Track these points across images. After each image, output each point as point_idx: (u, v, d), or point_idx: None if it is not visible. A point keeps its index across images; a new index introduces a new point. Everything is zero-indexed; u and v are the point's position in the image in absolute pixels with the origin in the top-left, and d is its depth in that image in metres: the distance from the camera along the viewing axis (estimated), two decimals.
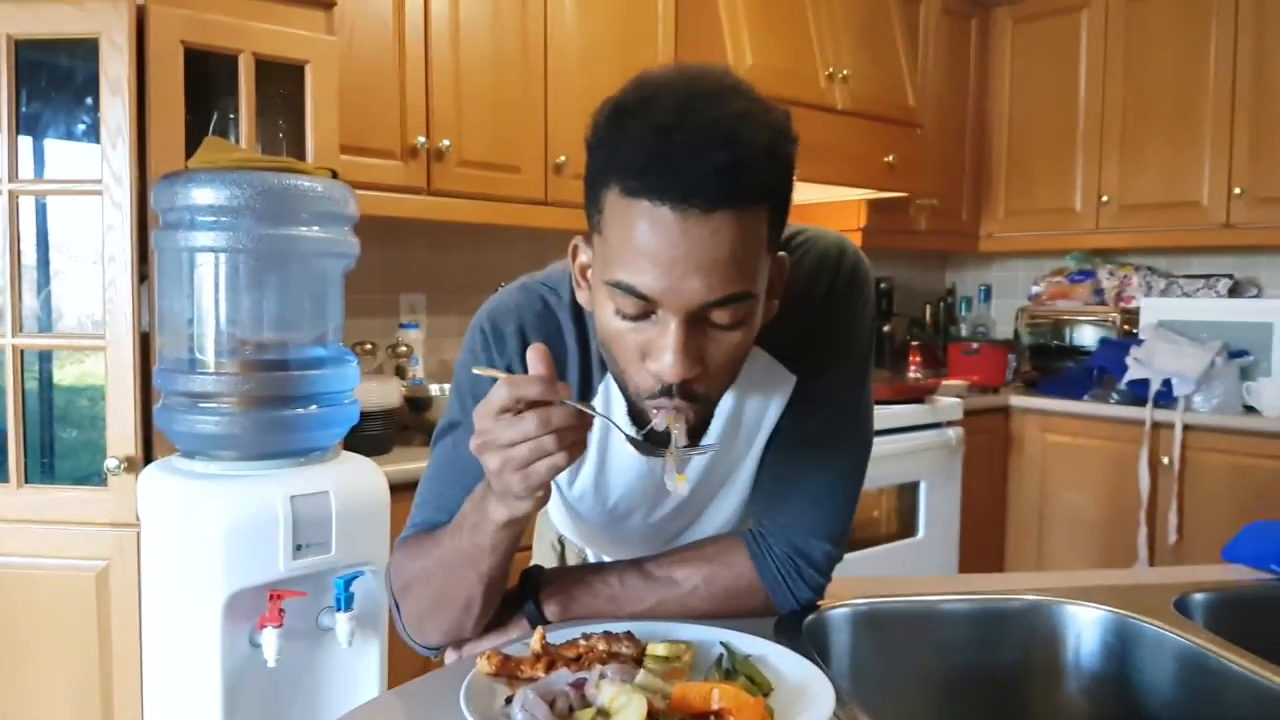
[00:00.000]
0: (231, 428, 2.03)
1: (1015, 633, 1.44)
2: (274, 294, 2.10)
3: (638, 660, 1.05)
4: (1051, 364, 4.60)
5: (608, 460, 1.29)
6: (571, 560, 1.62)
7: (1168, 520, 3.78)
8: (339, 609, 2.03)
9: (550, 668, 1.03)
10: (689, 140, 0.94)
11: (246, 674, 1.99)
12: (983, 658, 1.43)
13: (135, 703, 2.20)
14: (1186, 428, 3.75)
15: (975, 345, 4.64)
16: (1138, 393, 3.89)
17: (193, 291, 2.06)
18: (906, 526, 3.94)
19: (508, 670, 1.03)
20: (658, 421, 1.06)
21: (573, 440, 0.98)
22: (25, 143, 2.35)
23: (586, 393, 1.25)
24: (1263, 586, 1.55)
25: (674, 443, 1.05)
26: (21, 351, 2.25)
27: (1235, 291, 4.27)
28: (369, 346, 3.08)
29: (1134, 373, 3.91)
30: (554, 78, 3.14)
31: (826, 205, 4.33)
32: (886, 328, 4.75)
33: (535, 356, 0.99)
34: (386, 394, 2.71)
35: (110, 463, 2.16)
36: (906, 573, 3.78)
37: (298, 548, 1.97)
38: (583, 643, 1.07)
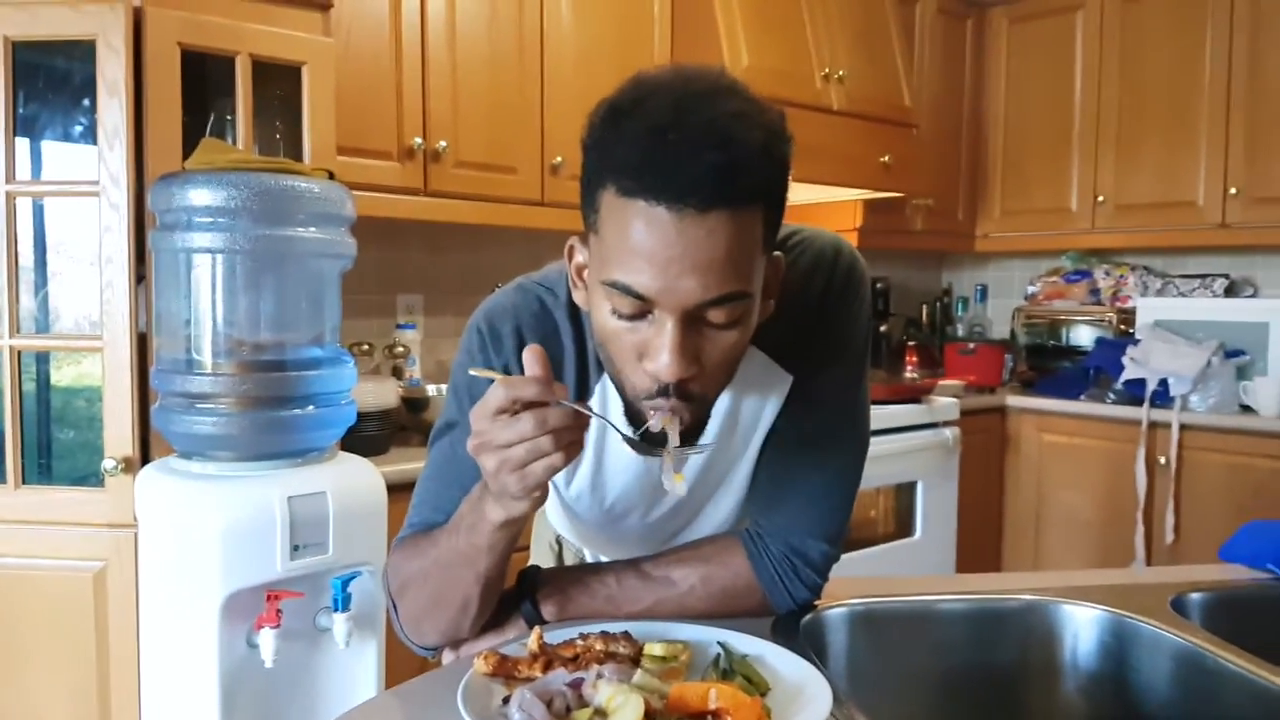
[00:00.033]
0: (229, 428, 2.03)
1: (1012, 632, 1.44)
2: (271, 295, 2.10)
3: (635, 660, 1.05)
4: (1048, 364, 4.60)
5: (605, 460, 1.29)
6: (569, 560, 1.62)
7: (1164, 520, 3.79)
8: (336, 609, 2.03)
9: (547, 668, 1.03)
10: (684, 140, 0.94)
11: (244, 674, 1.99)
12: (980, 657, 1.43)
13: (133, 703, 2.20)
14: (1183, 427, 3.75)
15: (972, 345, 4.64)
16: (1134, 392, 3.90)
17: (190, 292, 2.06)
18: (903, 526, 3.95)
19: (505, 670, 1.03)
20: (654, 422, 1.06)
21: (569, 440, 0.98)
22: (22, 144, 2.35)
23: (583, 393, 1.25)
24: (1259, 586, 1.56)
25: (670, 442, 1.06)
26: (19, 352, 2.24)
27: (1231, 291, 4.27)
28: (366, 347, 3.07)
29: (1130, 372, 3.92)
30: (550, 79, 3.14)
31: (823, 205, 4.34)
32: (883, 328, 4.75)
33: (531, 357, 0.99)
34: (383, 394, 2.71)
35: (107, 463, 2.16)
36: (903, 573, 3.79)
37: (295, 548, 1.97)
38: (580, 643, 1.07)
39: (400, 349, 3.13)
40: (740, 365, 1.12)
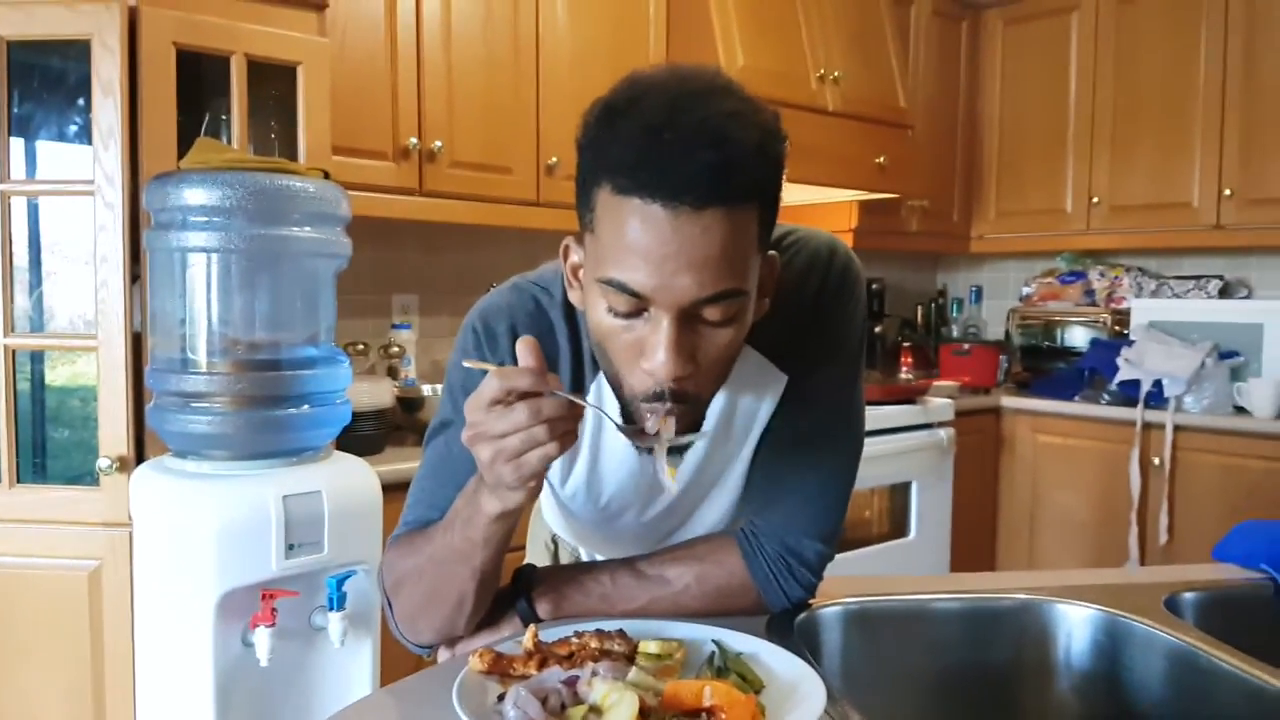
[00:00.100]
0: (224, 427, 2.03)
1: (1006, 631, 1.44)
2: (266, 294, 2.10)
3: (630, 658, 1.05)
4: (1042, 365, 4.61)
5: (600, 459, 1.29)
6: (565, 560, 1.62)
7: (1158, 520, 3.79)
8: (331, 608, 2.03)
9: (542, 665, 1.03)
10: (679, 139, 0.94)
11: (239, 673, 1.99)
12: (974, 656, 1.44)
13: (128, 702, 2.20)
14: (1177, 428, 3.76)
15: (966, 346, 4.65)
16: (1129, 393, 3.91)
17: (185, 292, 2.06)
18: (898, 527, 3.95)
19: (500, 668, 1.03)
20: (650, 424, 1.06)
21: (564, 430, 0.98)
22: (17, 144, 2.35)
23: (578, 392, 1.25)
24: (1252, 585, 1.56)
25: (663, 436, 1.06)
26: (14, 351, 2.24)
27: (1225, 292, 4.28)
28: (361, 347, 3.08)
29: (1125, 373, 3.93)
30: (546, 79, 3.14)
31: (818, 206, 4.34)
32: (878, 329, 4.76)
33: (525, 349, 0.99)
34: (379, 394, 2.71)
35: (102, 462, 2.16)
36: (898, 573, 3.79)
37: (290, 547, 1.97)
38: (575, 641, 1.08)
39: (395, 349, 3.13)
40: (735, 365, 1.12)
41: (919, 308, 5.10)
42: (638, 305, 1.00)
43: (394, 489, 2.13)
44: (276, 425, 2.06)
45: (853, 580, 1.46)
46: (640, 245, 0.96)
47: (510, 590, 1.28)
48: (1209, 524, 3.65)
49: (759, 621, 1.25)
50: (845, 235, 4.22)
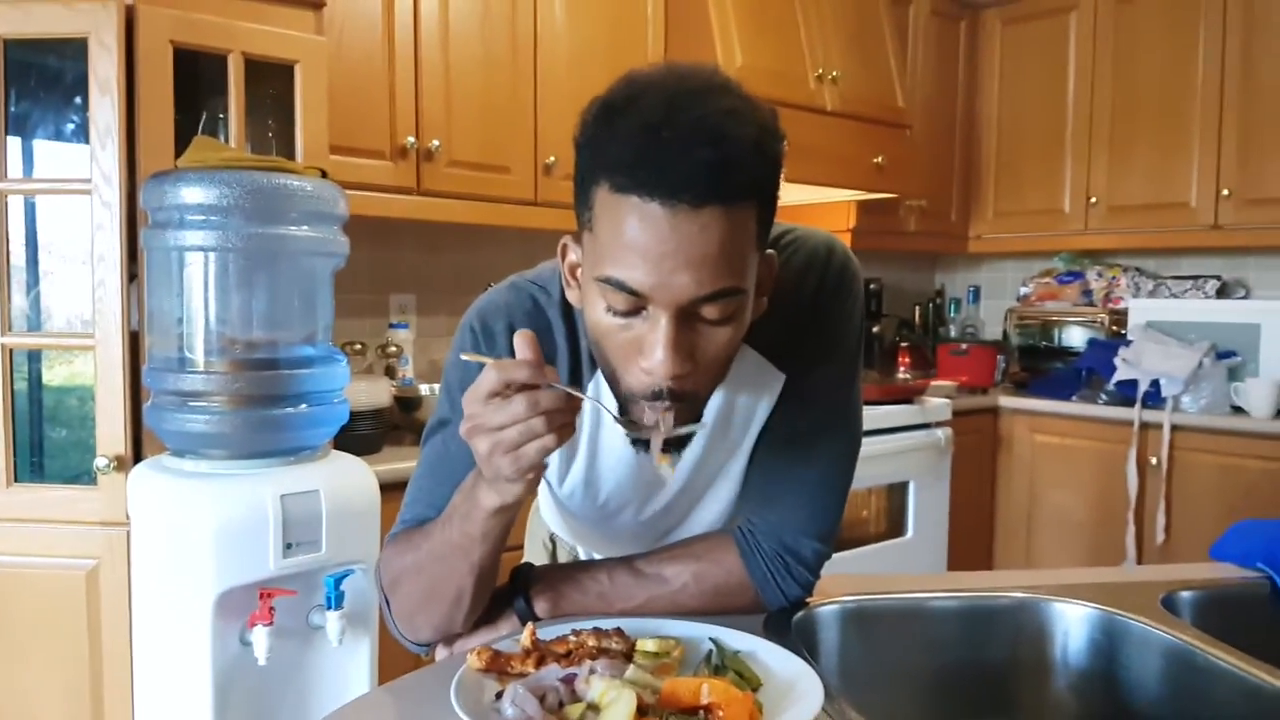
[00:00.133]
0: (221, 426, 2.03)
1: (1003, 630, 1.44)
2: (263, 293, 2.10)
3: (627, 656, 1.05)
4: (1040, 365, 4.61)
5: (598, 457, 1.29)
6: (563, 559, 1.62)
7: (1156, 520, 3.79)
8: (329, 607, 2.03)
9: (540, 663, 1.03)
10: (677, 137, 0.94)
11: (237, 672, 1.99)
12: (971, 655, 1.44)
13: (126, 701, 2.20)
14: (1174, 428, 3.76)
15: (964, 346, 4.65)
16: (1126, 393, 3.91)
17: (182, 290, 2.06)
18: (895, 526, 3.95)
19: (498, 666, 1.03)
20: (648, 418, 1.06)
21: (562, 422, 0.99)
22: (14, 143, 2.34)
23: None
24: (1249, 584, 1.56)
25: (660, 425, 1.06)
26: (11, 351, 2.24)
27: (1223, 292, 4.28)
28: (359, 346, 3.08)
29: (1122, 373, 3.93)
30: (544, 79, 3.14)
31: (816, 206, 4.34)
32: (875, 329, 4.75)
33: (522, 341, 0.99)
34: (376, 394, 2.71)
35: (100, 461, 2.16)
36: (895, 572, 3.79)
37: (288, 546, 1.97)
38: (573, 639, 1.08)
39: (393, 348, 3.13)
40: (733, 364, 1.12)
41: (917, 308, 5.10)
42: (636, 304, 1.00)
43: (392, 488, 2.13)
44: (274, 424, 2.06)
45: (850, 579, 1.46)
46: (638, 243, 0.96)
47: (508, 589, 1.28)
48: (1206, 524, 3.65)
49: (756, 620, 1.25)
50: (843, 235, 4.22)
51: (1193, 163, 4.09)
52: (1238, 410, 3.75)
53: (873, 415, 3.51)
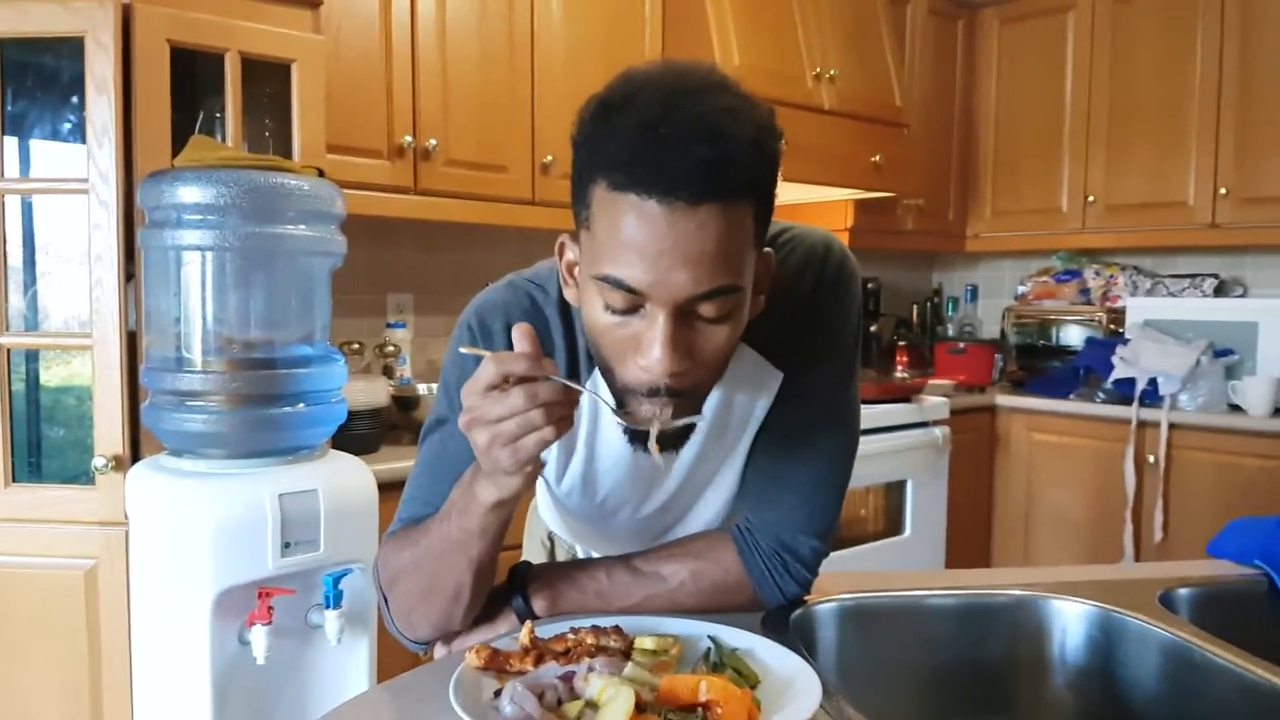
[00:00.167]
0: (219, 426, 2.03)
1: (1001, 627, 1.45)
2: (261, 292, 2.10)
3: (626, 654, 1.05)
4: (1038, 363, 4.61)
5: (596, 456, 1.29)
6: (561, 557, 1.62)
7: (1153, 518, 3.80)
8: (328, 606, 2.03)
9: (539, 661, 1.03)
10: (674, 135, 0.94)
11: (236, 671, 1.99)
12: (969, 652, 1.44)
13: (125, 701, 2.20)
14: (1172, 426, 3.76)
15: (962, 345, 4.65)
16: (1123, 392, 3.91)
17: (179, 290, 2.06)
18: (893, 525, 3.95)
19: (497, 664, 1.03)
20: (645, 410, 1.06)
21: (560, 415, 0.99)
22: (11, 142, 2.34)
23: None
24: (1246, 581, 1.56)
25: (657, 418, 1.06)
26: (8, 351, 2.24)
27: (1220, 291, 4.28)
28: (356, 346, 3.08)
29: (1120, 372, 3.93)
30: (541, 78, 3.14)
31: (814, 205, 4.34)
32: (873, 328, 4.76)
33: (520, 334, 1.00)
34: (374, 393, 2.71)
35: (98, 461, 2.15)
36: (893, 571, 3.79)
37: (286, 545, 1.97)
38: (571, 637, 1.08)
39: (391, 348, 3.13)
40: (731, 362, 1.12)
41: (914, 306, 5.10)
42: (633, 302, 1.00)
43: (390, 487, 2.13)
44: (272, 424, 2.06)
45: (848, 576, 1.47)
46: (636, 241, 0.96)
47: (506, 587, 1.28)
48: (1204, 522, 3.65)
49: (754, 618, 1.25)
50: (841, 234, 4.21)
51: (1190, 161, 4.10)
52: (1235, 408, 3.75)
53: (870, 414, 3.51)
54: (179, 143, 2.12)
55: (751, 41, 3.43)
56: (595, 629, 1.08)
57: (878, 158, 3.88)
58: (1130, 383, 3.87)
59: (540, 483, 1.44)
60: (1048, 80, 4.57)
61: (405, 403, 2.97)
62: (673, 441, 1.22)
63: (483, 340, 1.24)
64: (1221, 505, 3.61)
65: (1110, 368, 3.97)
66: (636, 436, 1.15)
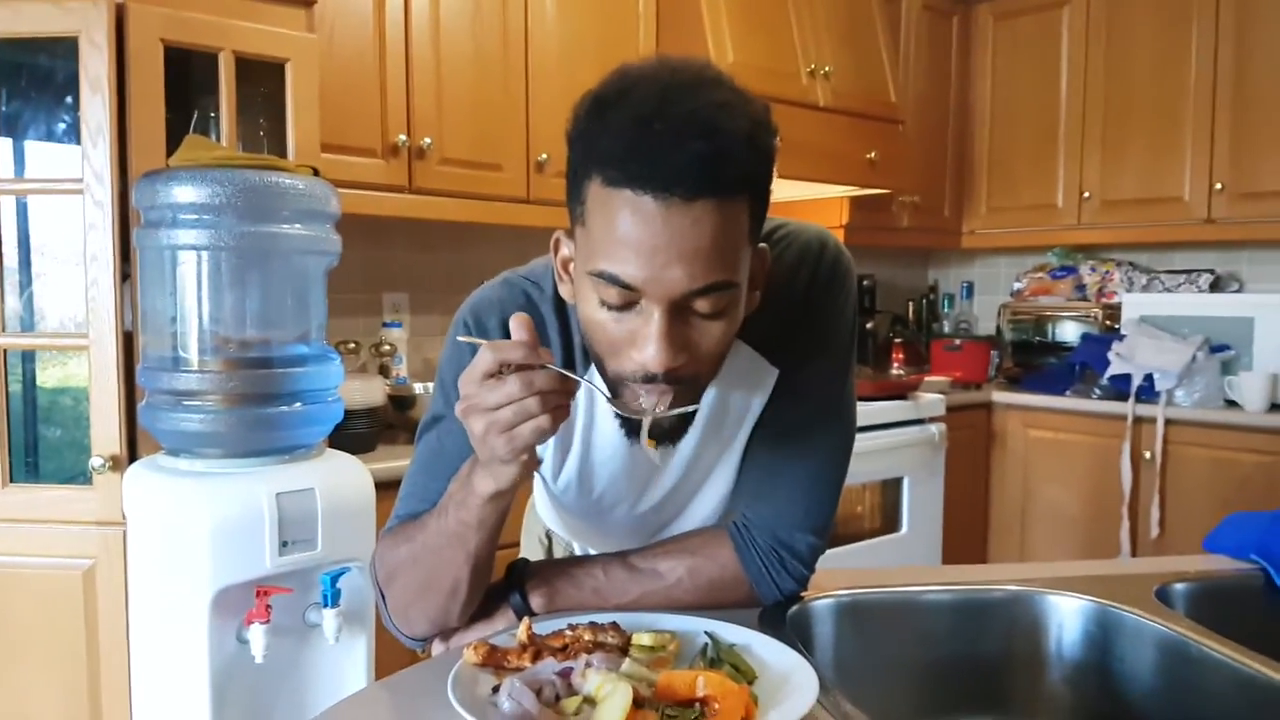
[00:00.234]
0: (216, 425, 2.03)
1: (997, 623, 1.45)
2: (257, 292, 2.10)
3: (623, 650, 1.05)
4: (1034, 360, 4.62)
5: (592, 452, 1.29)
6: (559, 554, 1.62)
7: (1150, 514, 3.80)
8: (326, 605, 2.03)
9: (537, 658, 1.03)
10: (669, 130, 0.94)
11: (234, 670, 1.99)
12: (965, 647, 1.44)
13: (123, 700, 2.19)
14: (1168, 422, 3.77)
15: (958, 342, 4.65)
16: (1120, 388, 3.91)
17: (175, 289, 2.06)
18: (890, 522, 3.95)
19: (495, 660, 1.04)
20: (644, 402, 1.06)
21: (556, 404, 0.99)
22: (5, 143, 2.35)
23: None
24: (1242, 576, 1.57)
25: (651, 407, 1.06)
26: (5, 351, 2.24)
27: (1216, 286, 4.29)
28: (352, 345, 3.08)
29: (1116, 368, 3.93)
30: (535, 76, 3.14)
31: (808, 202, 4.34)
32: (869, 325, 4.76)
33: (517, 324, 1.00)
34: (370, 392, 2.71)
35: (95, 461, 2.15)
36: (889, 567, 3.79)
37: (284, 544, 1.97)
38: (569, 633, 1.08)
39: (386, 347, 3.13)
40: (726, 359, 1.12)
41: (910, 303, 5.11)
42: (629, 297, 1.00)
43: (387, 486, 2.13)
44: (269, 423, 2.06)
45: (845, 572, 1.47)
46: (631, 237, 0.96)
47: (504, 584, 1.28)
48: (1200, 517, 3.65)
49: (752, 614, 1.26)
50: (836, 231, 4.19)
51: (1186, 157, 4.10)
52: (1231, 404, 3.76)
53: (866, 411, 3.51)
54: (174, 142, 2.11)
55: (746, 38, 3.43)
56: (593, 625, 1.09)
57: (873, 154, 3.88)
58: (1126, 379, 3.87)
59: (537, 480, 1.44)
60: (1043, 76, 4.57)
61: (401, 402, 2.97)
62: (669, 435, 1.22)
63: (478, 336, 1.24)
64: (1217, 500, 3.61)
65: (1106, 364, 3.98)
66: (633, 430, 1.16)
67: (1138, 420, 3.84)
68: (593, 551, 1.49)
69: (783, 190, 3.90)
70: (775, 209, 1.10)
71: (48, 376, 2.53)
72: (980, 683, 1.44)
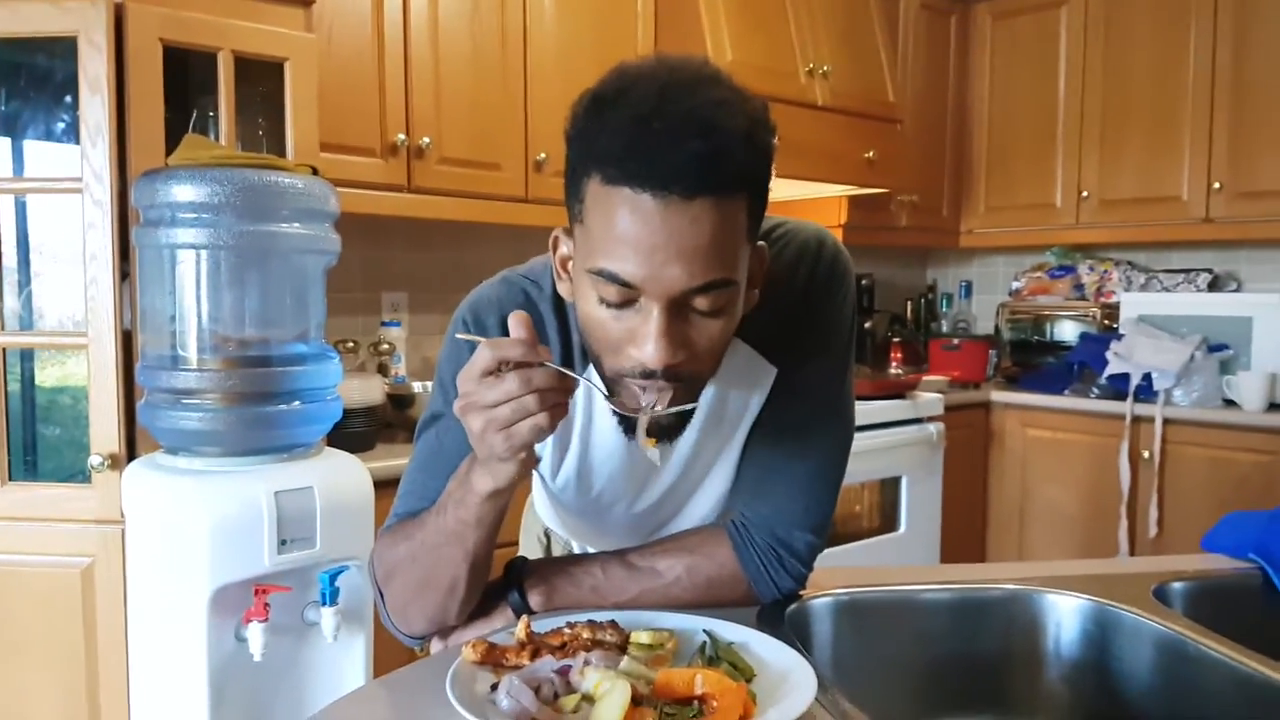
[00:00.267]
0: (215, 424, 2.03)
1: (995, 621, 1.45)
2: (256, 291, 2.10)
3: (622, 648, 1.05)
4: (1032, 359, 4.62)
5: (590, 451, 1.30)
6: (558, 553, 1.62)
7: (1148, 514, 3.80)
8: (324, 604, 2.03)
9: (535, 656, 1.03)
10: (667, 128, 0.95)
11: (232, 669, 1.99)
12: (963, 646, 1.44)
13: (122, 699, 2.19)
14: (1166, 421, 3.77)
15: (956, 341, 4.65)
16: (1118, 387, 3.91)
17: (174, 288, 2.06)
18: (888, 521, 3.96)
19: (493, 658, 1.04)
20: (644, 399, 1.06)
21: (555, 401, 0.99)
22: (4, 143, 2.35)
23: None
24: (1240, 575, 1.57)
25: (649, 405, 1.06)
26: (4, 350, 2.24)
27: (1215, 286, 4.29)
28: (351, 344, 3.07)
29: (1114, 367, 3.93)
30: (533, 75, 3.14)
31: (807, 201, 4.34)
32: (868, 324, 4.76)
33: (516, 322, 1.00)
34: (369, 391, 2.72)
35: (94, 460, 2.15)
36: (888, 566, 3.80)
37: (282, 543, 1.97)
38: (567, 631, 1.08)
39: (385, 346, 3.13)
40: (725, 358, 1.12)
41: (908, 303, 5.11)
42: (628, 295, 1.00)
43: (385, 485, 2.12)
44: (268, 421, 2.06)
45: (843, 571, 1.47)
46: (630, 235, 0.96)
47: (502, 582, 1.28)
48: (1198, 517, 3.66)
49: (750, 612, 1.26)
50: (835, 230, 4.19)
51: (1184, 156, 4.10)
52: (1229, 403, 3.76)
53: (865, 410, 3.51)
54: (173, 142, 2.11)
55: (744, 37, 3.43)
56: (591, 623, 1.09)
57: (871, 153, 3.88)
58: (1124, 378, 3.87)
59: (536, 478, 1.44)
60: (1041, 75, 4.57)
61: (400, 400, 2.97)
62: (667, 434, 1.22)
63: (476, 335, 1.24)
64: (1216, 500, 3.61)
65: (1104, 363, 3.98)
66: (631, 428, 1.16)
67: (1136, 420, 3.84)
68: (591, 550, 1.49)
69: (781, 189, 3.90)
70: (773, 208, 1.10)
71: (47, 375, 2.53)
72: (978, 681, 1.44)
